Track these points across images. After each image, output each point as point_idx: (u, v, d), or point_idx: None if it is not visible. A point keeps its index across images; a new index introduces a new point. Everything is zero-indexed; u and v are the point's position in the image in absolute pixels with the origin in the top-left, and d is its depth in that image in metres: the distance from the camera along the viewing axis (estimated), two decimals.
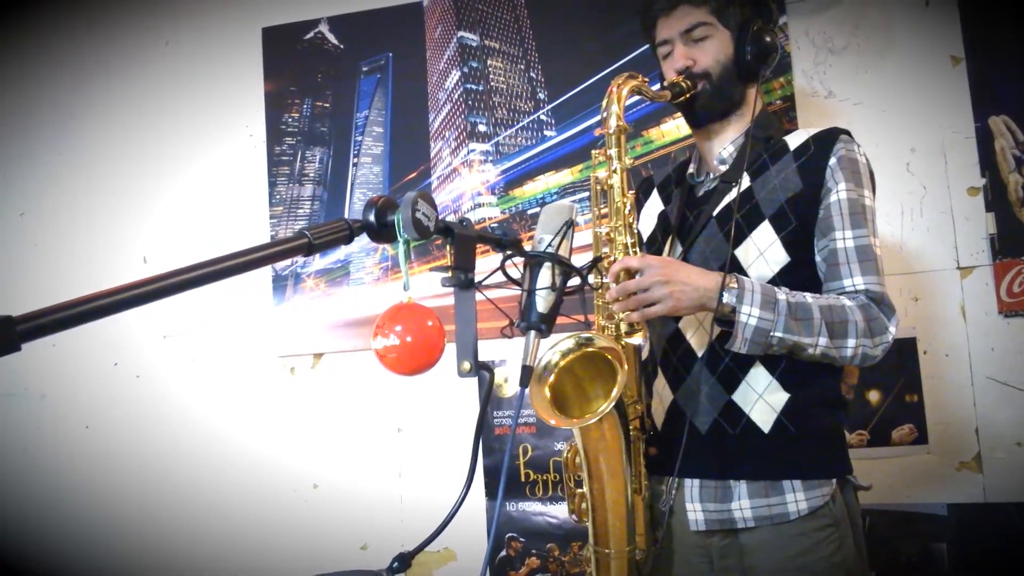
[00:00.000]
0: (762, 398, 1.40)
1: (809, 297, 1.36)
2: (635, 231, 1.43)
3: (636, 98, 1.50)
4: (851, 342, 1.34)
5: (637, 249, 1.42)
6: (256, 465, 2.55)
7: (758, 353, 1.35)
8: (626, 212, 1.41)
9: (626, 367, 1.30)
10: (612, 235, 1.42)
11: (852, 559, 1.39)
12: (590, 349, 1.35)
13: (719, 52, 1.48)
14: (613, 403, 1.29)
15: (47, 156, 2.83)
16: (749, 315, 1.31)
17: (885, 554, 2.03)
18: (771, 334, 1.31)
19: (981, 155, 2.08)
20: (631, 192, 1.43)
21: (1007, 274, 2.04)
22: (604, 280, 1.42)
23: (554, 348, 1.36)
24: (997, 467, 2.02)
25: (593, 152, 1.46)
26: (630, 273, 1.34)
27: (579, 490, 1.44)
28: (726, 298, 1.31)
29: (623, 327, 1.40)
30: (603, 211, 1.45)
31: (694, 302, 1.32)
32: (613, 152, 1.41)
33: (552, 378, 1.35)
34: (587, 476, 1.40)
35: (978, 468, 2.03)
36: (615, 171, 1.41)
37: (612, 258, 1.41)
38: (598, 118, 1.48)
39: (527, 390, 1.10)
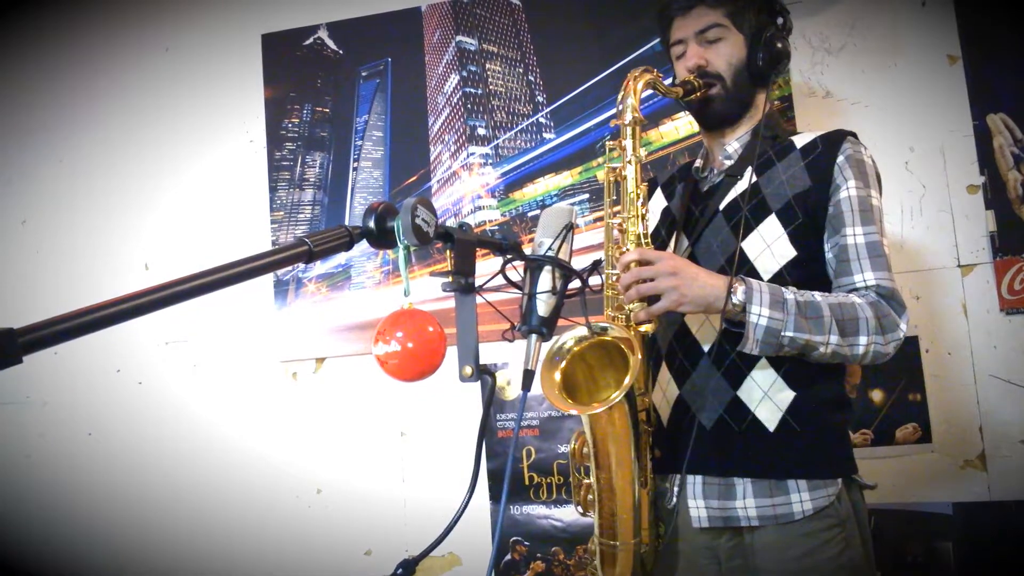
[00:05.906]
0: (767, 396, 1.40)
1: (818, 296, 1.35)
2: (647, 223, 1.43)
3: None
4: (863, 339, 1.34)
5: (649, 241, 1.42)
6: (259, 470, 2.55)
7: (769, 354, 1.34)
8: (639, 204, 1.41)
9: (639, 355, 1.29)
10: (625, 225, 1.42)
11: (859, 560, 1.38)
12: (605, 338, 1.34)
13: (731, 55, 1.48)
14: (625, 390, 1.28)
15: (48, 164, 2.83)
16: (759, 315, 1.30)
17: (891, 554, 2.03)
18: (782, 334, 1.30)
19: (980, 153, 2.08)
20: (644, 184, 1.43)
21: (1008, 271, 2.04)
22: (613, 271, 1.42)
23: (568, 334, 1.35)
24: (1002, 465, 2.02)
25: (608, 144, 1.46)
26: (640, 264, 1.34)
27: (586, 480, 1.43)
28: (735, 298, 1.31)
29: (634, 316, 1.39)
30: (615, 205, 1.45)
31: (700, 300, 1.32)
32: (628, 144, 1.41)
33: (564, 364, 1.34)
34: (594, 466, 1.39)
35: (983, 466, 2.03)
36: (629, 162, 1.41)
37: (624, 248, 1.40)
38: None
39: (536, 380, 1.10)
